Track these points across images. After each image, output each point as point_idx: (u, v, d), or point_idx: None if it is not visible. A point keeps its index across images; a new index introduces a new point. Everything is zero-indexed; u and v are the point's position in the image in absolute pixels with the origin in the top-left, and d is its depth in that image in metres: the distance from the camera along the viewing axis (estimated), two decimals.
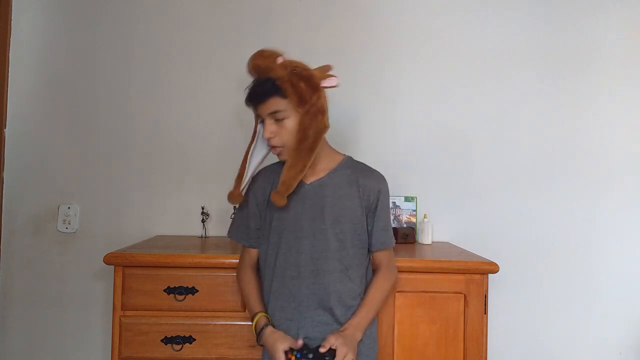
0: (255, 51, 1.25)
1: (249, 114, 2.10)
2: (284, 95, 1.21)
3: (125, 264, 1.47)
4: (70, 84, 1.97)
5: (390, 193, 1.90)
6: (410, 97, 2.01)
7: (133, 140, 1.97)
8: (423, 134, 2.01)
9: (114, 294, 1.46)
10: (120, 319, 1.46)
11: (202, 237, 1.90)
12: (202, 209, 1.92)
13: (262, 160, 1.37)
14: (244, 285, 1.36)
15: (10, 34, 1.96)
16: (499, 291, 1.94)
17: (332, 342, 1.17)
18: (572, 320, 2.00)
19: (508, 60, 2.02)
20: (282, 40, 1.98)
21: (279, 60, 1.22)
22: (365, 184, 1.32)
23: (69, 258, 1.94)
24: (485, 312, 1.50)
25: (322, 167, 1.32)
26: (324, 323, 1.25)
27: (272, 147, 1.29)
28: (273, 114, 1.23)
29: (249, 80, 1.96)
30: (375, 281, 1.34)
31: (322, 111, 1.25)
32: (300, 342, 1.21)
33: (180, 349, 1.46)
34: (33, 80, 1.97)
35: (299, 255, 1.27)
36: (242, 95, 2.08)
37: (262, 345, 1.26)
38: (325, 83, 1.26)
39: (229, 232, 1.42)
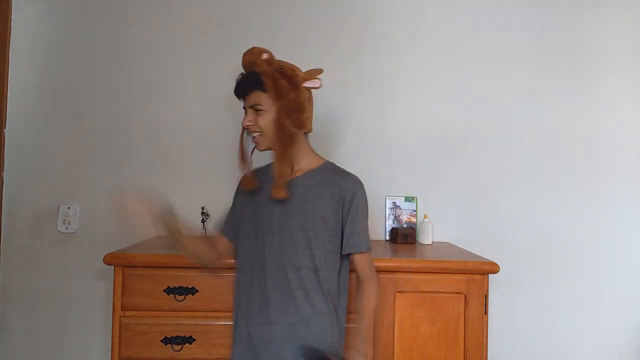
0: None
1: None
2: (264, 89, 1.28)
3: (125, 264, 1.47)
4: (70, 84, 1.97)
5: (390, 193, 1.90)
6: (410, 97, 2.01)
7: (133, 140, 1.97)
8: (423, 133, 2.01)
9: (114, 294, 1.46)
10: (120, 319, 1.46)
11: (202, 237, 1.90)
12: (202, 209, 1.92)
13: (253, 150, 1.43)
14: None
15: (10, 34, 1.96)
16: (499, 291, 1.94)
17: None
18: (572, 320, 2.00)
19: (508, 59, 2.02)
20: (281, 38, 1.99)
21: (264, 56, 1.30)
22: (340, 185, 1.33)
23: (69, 258, 1.94)
24: (486, 312, 1.50)
25: (300, 168, 1.36)
26: (287, 323, 1.26)
27: (252, 137, 1.35)
28: (253, 106, 1.31)
29: None
30: (362, 295, 1.33)
31: (299, 109, 1.31)
32: None
33: (180, 349, 1.46)
34: (33, 80, 1.97)
35: (269, 250, 1.29)
36: None
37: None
38: (307, 84, 1.33)
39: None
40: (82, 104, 1.97)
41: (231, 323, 1.47)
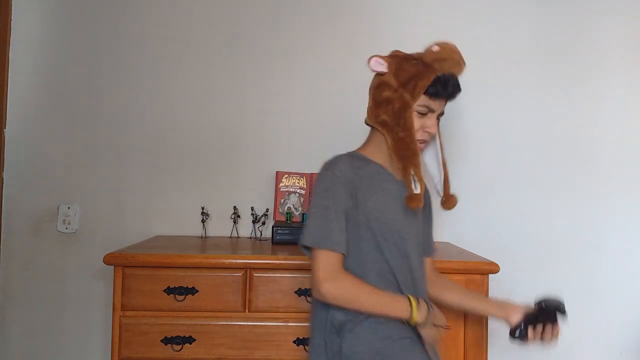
0: (452, 46, 1.33)
1: (248, 114, 2.09)
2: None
3: (125, 264, 1.46)
4: (70, 84, 1.97)
5: None
6: None
7: (133, 140, 1.97)
8: None
9: (113, 294, 1.46)
10: (120, 319, 1.46)
11: (202, 237, 1.90)
12: (202, 209, 1.92)
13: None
14: (358, 289, 1.10)
15: (10, 34, 1.96)
16: (499, 291, 1.94)
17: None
18: (572, 320, 1.99)
19: (509, 59, 2.02)
20: (281, 39, 1.99)
21: None
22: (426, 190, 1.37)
23: (69, 258, 1.94)
24: None
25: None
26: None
27: (419, 140, 1.22)
28: (438, 113, 1.25)
29: (247, 81, 1.97)
30: (448, 282, 1.39)
31: None
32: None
33: (180, 349, 1.46)
34: (33, 80, 1.97)
35: (408, 260, 1.17)
36: (241, 96, 2.07)
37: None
38: None
39: (309, 240, 1.12)
40: (82, 104, 1.97)
41: (231, 323, 1.48)
